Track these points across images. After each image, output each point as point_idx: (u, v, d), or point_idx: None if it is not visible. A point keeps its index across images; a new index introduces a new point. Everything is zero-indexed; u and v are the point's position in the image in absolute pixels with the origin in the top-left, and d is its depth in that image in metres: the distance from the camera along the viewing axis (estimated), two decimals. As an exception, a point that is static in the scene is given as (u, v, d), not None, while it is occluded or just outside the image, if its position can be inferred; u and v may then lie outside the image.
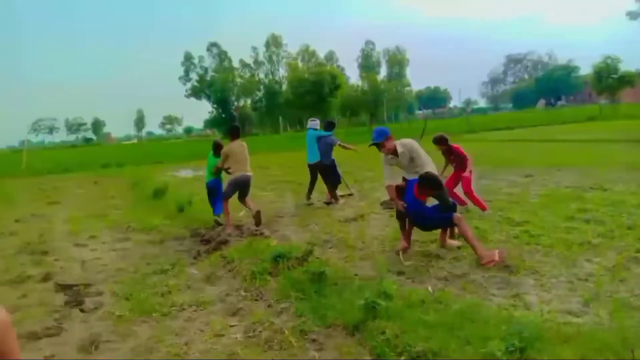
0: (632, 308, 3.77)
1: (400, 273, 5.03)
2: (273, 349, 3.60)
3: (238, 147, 7.98)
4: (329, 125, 10.36)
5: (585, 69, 67.60)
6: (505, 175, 11.52)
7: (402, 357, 3.18)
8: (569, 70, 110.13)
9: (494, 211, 7.55)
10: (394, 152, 5.85)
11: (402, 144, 5.87)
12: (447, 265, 5.21)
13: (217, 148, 8.43)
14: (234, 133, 8.23)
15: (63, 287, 5.48)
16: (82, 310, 4.75)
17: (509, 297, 4.23)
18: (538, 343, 3.03)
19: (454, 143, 8.25)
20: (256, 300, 4.67)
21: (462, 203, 7.79)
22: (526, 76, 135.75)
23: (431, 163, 5.85)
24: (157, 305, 4.63)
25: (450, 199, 5.99)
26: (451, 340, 3.24)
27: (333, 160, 10.00)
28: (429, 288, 4.50)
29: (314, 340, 3.67)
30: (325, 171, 9.85)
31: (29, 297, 5.20)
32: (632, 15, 45.27)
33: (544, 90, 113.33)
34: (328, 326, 3.84)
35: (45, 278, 5.84)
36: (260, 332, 3.86)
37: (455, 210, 5.58)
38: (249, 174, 8.00)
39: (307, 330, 3.81)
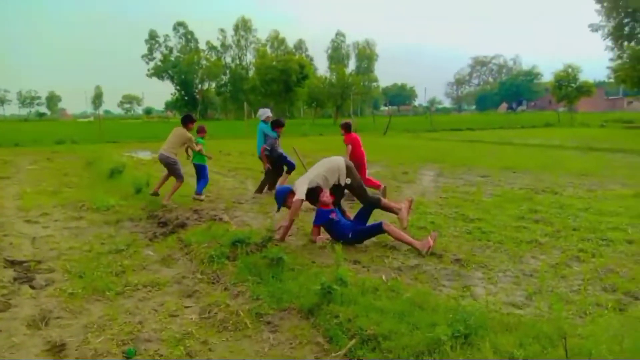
0: (569, 302, 4.01)
1: (356, 262, 5.14)
2: (228, 330, 3.64)
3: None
4: (275, 123, 9.73)
5: (548, 76, 69.81)
6: (463, 175, 11.86)
7: (353, 341, 3.28)
8: (532, 76, 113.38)
9: (450, 208, 7.78)
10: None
11: (297, 185, 6.17)
12: (401, 256, 5.36)
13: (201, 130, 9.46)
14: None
15: (12, 263, 5.34)
16: (32, 287, 4.65)
17: (458, 288, 4.41)
18: (482, 330, 3.19)
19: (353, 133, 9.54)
20: (212, 283, 4.69)
21: (378, 186, 8.75)
22: (491, 79, 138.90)
23: (306, 177, 6.29)
24: (110, 284, 4.59)
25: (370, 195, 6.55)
26: (401, 325, 3.36)
27: (280, 154, 9.75)
28: (383, 277, 4.63)
29: (268, 323, 3.73)
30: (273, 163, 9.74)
31: (-25, 271, 5.03)
32: (594, 27, 47.12)
33: (507, 94, 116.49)
34: (283, 309, 3.91)
35: (-6, 253, 5.65)
36: (215, 313, 3.89)
37: (378, 206, 6.32)
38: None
39: (263, 312, 3.88)
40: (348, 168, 6.39)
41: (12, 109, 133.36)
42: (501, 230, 6.32)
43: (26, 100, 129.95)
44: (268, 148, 9.53)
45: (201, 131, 9.40)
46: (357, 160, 8.52)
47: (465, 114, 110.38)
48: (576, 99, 48.10)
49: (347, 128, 9.40)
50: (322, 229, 6.05)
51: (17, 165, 15.31)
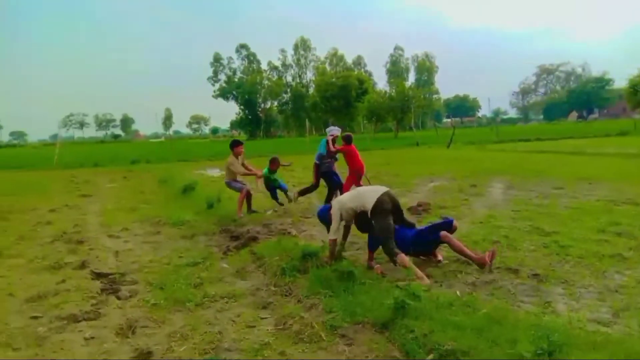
0: (663, 320, 3.76)
1: (428, 277, 5.07)
2: (304, 341, 3.71)
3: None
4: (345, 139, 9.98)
5: (620, 82, 66.19)
6: (535, 187, 11.41)
7: (431, 356, 3.24)
8: (602, 83, 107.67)
9: (524, 221, 7.51)
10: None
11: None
12: (475, 272, 5.23)
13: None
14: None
15: (99, 275, 5.70)
16: (117, 298, 4.94)
17: (538, 304, 4.25)
18: (566, 348, 3.06)
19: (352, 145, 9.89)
20: (286, 295, 4.78)
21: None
22: (558, 87, 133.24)
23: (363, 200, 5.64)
24: (190, 295, 4.79)
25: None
26: (479, 341, 3.29)
27: (325, 171, 9.81)
28: (457, 292, 4.54)
29: (343, 336, 3.76)
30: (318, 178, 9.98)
31: (66, 282, 5.41)
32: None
33: (576, 103, 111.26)
34: (357, 322, 3.92)
35: (82, 266, 6.05)
36: (290, 325, 3.97)
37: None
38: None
39: (337, 325, 3.91)
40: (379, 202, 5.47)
41: (90, 132, 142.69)
42: (580, 244, 6.03)
43: (102, 123, 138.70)
44: (317, 162, 9.86)
45: (273, 163, 9.85)
46: (356, 170, 9.70)
47: (533, 123, 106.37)
48: (654, 104, 45.08)
49: (347, 140, 9.84)
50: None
51: (97, 184, 16.34)
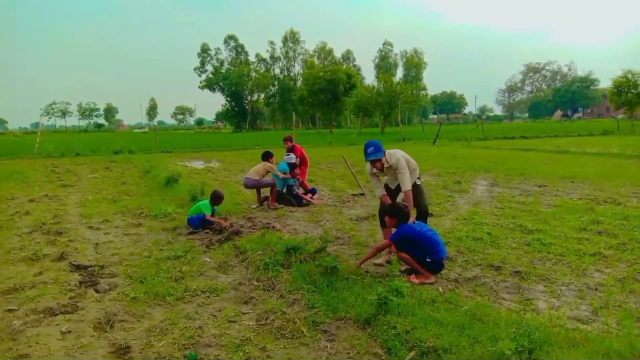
0: (641, 318, 3.80)
1: (411, 273, 5.07)
2: (285, 337, 3.67)
3: None
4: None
5: (605, 82, 67.03)
6: (518, 184, 11.51)
7: (412, 353, 3.23)
8: (587, 82, 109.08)
9: (506, 219, 7.55)
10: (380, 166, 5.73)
11: (390, 156, 5.68)
12: (458, 268, 5.25)
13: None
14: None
15: (77, 267, 5.60)
16: (96, 291, 4.84)
17: (519, 301, 4.28)
18: (547, 346, 3.07)
19: (297, 144, 10.63)
20: (268, 290, 4.74)
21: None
22: (544, 86, 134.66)
23: (409, 167, 5.63)
24: (170, 289, 4.72)
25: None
26: (461, 338, 3.29)
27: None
28: (440, 288, 4.55)
29: (325, 331, 3.73)
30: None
31: (44, 274, 5.31)
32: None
33: (562, 102, 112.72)
34: (339, 318, 3.90)
35: (60, 258, 5.94)
36: (272, 320, 3.93)
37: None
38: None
39: (319, 321, 3.88)
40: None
41: (73, 121, 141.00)
42: (562, 242, 6.09)
43: (85, 112, 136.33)
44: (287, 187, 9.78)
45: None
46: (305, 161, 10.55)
47: (518, 121, 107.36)
48: (637, 105, 45.69)
49: (290, 140, 10.51)
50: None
51: (78, 174, 16.07)
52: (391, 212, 5.26)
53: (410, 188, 5.49)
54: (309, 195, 9.91)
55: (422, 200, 5.71)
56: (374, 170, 5.80)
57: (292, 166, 9.83)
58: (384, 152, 5.66)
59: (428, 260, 4.81)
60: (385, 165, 5.67)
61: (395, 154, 5.67)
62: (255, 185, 9.53)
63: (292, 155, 10.02)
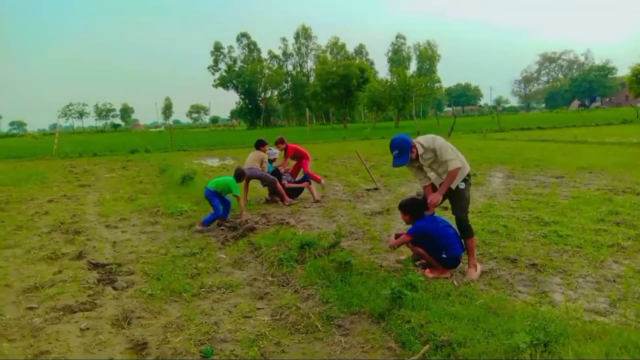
0: (660, 310, 3.74)
1: (426, 267, 5.05)
2: (300, 332, 3.69)
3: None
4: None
5: (623, 71, 65.79)
6: (535, 176, 11.38)
7: (427, 347, 3.22)
8: (605, 71, 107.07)
9: (523, 211, 7.48)
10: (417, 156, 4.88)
11: (420, 143, 4.86)
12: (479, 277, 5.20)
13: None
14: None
15: (96, 266, 5.68)
16: (114, 288, 4.92)
17: (535, 294, 4.24)
18: (563, 338, 3.04)
19: (290, 143, 10.39)
20: (283, 285, 4.77)
21: (318, 180, 10.13)
22: (560, 76, 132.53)
23: (458, 156, 4.78)
24: (186, 285, 4.77)
25: None
26: (476, 331, 3.27)
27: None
28: (455, 282, 4.52)
29: (339, 326, 3.74)
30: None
31: (63, 273, 5.40)
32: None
33: (579, 91, 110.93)
34: (354, 313, 3.91)
35: (79, 256, 6.03)
36: (287, 315, 3.95)
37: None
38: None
39: (333, 316, 3.89)
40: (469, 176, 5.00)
41: (90, 121, 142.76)
42: (579, 234, 6.01)
43: (102, 112, 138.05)
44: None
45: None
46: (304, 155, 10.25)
47: (535, 112, 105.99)
48: (657, 93, 44.81)
49: (282, 141, 10.22)
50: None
51: (96, 174, 16.30)
52: (404, 206, 5.12)
53: (457, 166, 4.67)
54: (305, 183, 9.83)
55: (458, 210, 4.86)
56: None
57: (271, 161, 9.89)
58: (413, 144, 4.78)
59: (444, 256, 4.77)
60: (420, 152, 4.80)
61: (436, 139, 4.84)
62: (260, 177, 9.40)
63: (274, 151, 10.07)
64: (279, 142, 10.23)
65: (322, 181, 10.27)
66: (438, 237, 4.82)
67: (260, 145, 9.76)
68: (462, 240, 4.88)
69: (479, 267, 4.84)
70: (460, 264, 4.95)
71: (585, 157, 14.61)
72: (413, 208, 5.05)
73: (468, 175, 4.89)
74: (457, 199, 4.87)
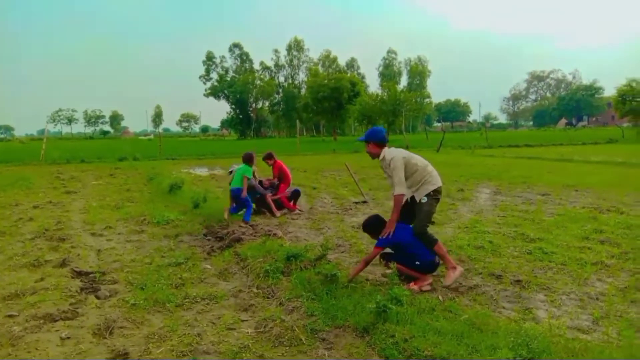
0: (642, 329, 3.77)
1: (410, 280, 5.06)
2: (283, 345, 3.66)
3: None
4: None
5: (610, 91, 66.89)
6: (521, 192, 11.48)
7: (410, 361, 3.22)
8: (592, 91, 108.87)
9: (509, 227, 7.53)
10: (376, 157, 5.20)
11: (386, 154, 5.09)
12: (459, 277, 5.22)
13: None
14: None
15: (79, 274, 5.60)
16: (97, 297, 4.85)
17: (519, 310, 4.26)
18: (545, 355, 3.06)
19: (279, 160, 10.14)
20: (268, 297, 4.74)
21: (293, 208, 9.64)
22: (548, 94, 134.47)
23: (423, 186, 4.98)
24: (170, 296, 4.72)
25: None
26: (459, 347, 3.27)
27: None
28: (440, 297, 4.53)
29: (323, 340, 3.72)
30: None
31: (45, 281, 5.31)
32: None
33: (566, 110, 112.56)
34: (338, 327, 3.89)
35: (62, 264, 5.94)
36: (271, 328, 3.92)
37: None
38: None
39: (318, 329, 3.87)
40: (437, 192, 5.05)
41: (79, 128, 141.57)
42: (564, 251, 6.06)
43: (91, 119, 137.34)
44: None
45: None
46: (287, 178, 9.94)
47: (522, 130, 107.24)
48: (642, 113, 45.58)
49: (271, 157, 10.01)
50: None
51: (83, 180, 16.14)
52: (365, 227, 5.38)
53: (400, 192, 4.87)
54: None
55: (417, 223, 4.96)
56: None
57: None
58: (370, 141, 5.13)
59: (417, 263, 4.88)
60: (380, 158, 5.10)
61: (393, 152, 5.06)
62: (254, 187, 9.15)
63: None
64: (267, 158, 9.97)
65: (296, 209, 9.63)
66: (406, 246, 4.92)
67: (249, 161, 9.12)
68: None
69: (458, 268, 4.91)
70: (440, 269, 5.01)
71: (571, 175, 14.79)
72: (375, 225, 5.23)
73: (435, 190, 4.98)
74: (418, 212, 5.01)
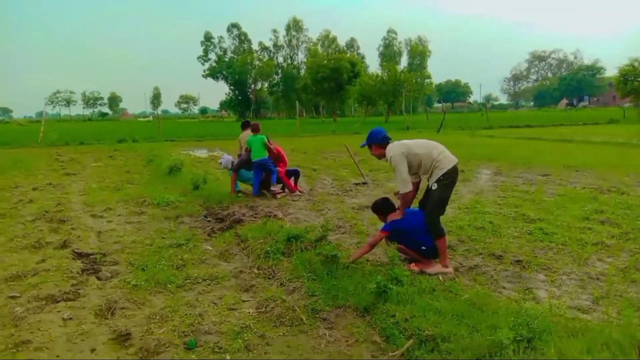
0: (641, 308, 3.79)
1: (411, 261, 5.06)
2: (284, 325, 3.68)
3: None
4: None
5: (611, 71, 66.46)
6: (522, 173, 11.47)
7: (411, 341, 3.24)
8: (594, 71, 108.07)
9: (509, 208, 7.53)
10: (383, 158, 5.08)
11: (387, 153, 4.97)
12: (459, 257, 5.24)
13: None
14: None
15: (80, 255, 5.62)
16: (98, 278, 4.87)
17: (519, 290, 4.27)
18: (546, 335, 3.06)
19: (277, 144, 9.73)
20: (269, 278, 4.75)
21: (294, 189, 9.45)
22: (550, 74, 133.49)
23: (435, 171, 4.79)
24: (171, 277, 4.74)
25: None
26: (460, 327, 3.29)
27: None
28: (440, 277, 4.54)
29: (324, 319, 3.74)
30: None
31: (46, 262, 5.32)
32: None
33: (567, 90, 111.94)
34: (339, 307, 3.91)
35: (63, 245, 5.96)
36: (272, 308, 3.94)
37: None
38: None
39: (318, 309, 3.89)
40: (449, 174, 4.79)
41: (77, 109, 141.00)
42: (564, 231, 6.07)
43: (90, 101, 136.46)
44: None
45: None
46: (283, 159, 9.63)
47: (523, 110, 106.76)
48: (643, 94, 45.24)
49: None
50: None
51: (82, 162, 16.12)
52: (374, 209, 5.38)
53: (406, 191, 4.80)
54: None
55: (428, 209, 4.81)
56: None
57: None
58: (375, 144, 5.07)
59: (423, 248, 4.83)
60: (386, 159, 4.99)
61: (392, 149, 4.90)
62: (267, 165, 9.12)
63: (228, 158, 9.92)
64: (254, 130, 9.56)
65: (297, 191, 9.46)
66: (414, 232, 4.85)
67: (258, 129, 9.25)
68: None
69: (450, 269, 4.71)
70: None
71: (572, 155, 14.76)
72: (384, 207, 5.20)
73: (445, 174, 4.72)
74: (429, 199, 4.85)
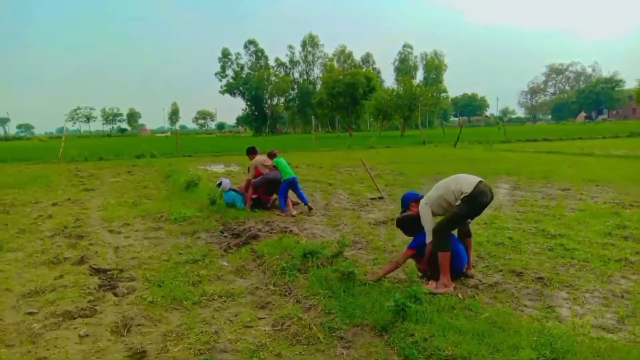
0: (670, 328, 3.65)
1: (428, 278, 4.98)
2: (301, 343, 3.63)
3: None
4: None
5: (631, 83, 65.56)
6: (541, 188, 11.29)
7: (430, 361, 3.16)
8: (613, 83, 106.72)
9: (529, 223, 7.40)
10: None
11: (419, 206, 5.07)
12: (479, 274, 5.14)
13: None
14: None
15: (97, 271, 5.65)
16: (115, 294, 4.87)
17: (541, 308, 4.16)
18: (570, 355, 2.98)
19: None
20: (285, 295, 4.71)
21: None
22: (567, 87, 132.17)
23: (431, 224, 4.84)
24: (188, 293, 4.72)
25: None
26: (481, 346, 3.20)
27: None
28: (459, 294, 4.45)
29: (341, 338, 3.67)
30: None
31: (64, 278, 5.36)
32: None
33: (586, 103, 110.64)
34: (356, 325, 3.84)
35: (81, 261, 6.00)
36: (288, 326, 3.89)
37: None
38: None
39: (335, 327, 3.83)
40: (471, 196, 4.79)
41: (97, 125, 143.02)
42: (586, 248, 5.93)
43: (109, 117, 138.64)
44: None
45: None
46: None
47: (541, 123, 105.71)
48: (665, 106, 44.54)
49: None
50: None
51: (101, 178, 16.32)
52: (399, 225, 5.30)
53: (430, 240, 4.81)
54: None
55: (441, 220, 4.86)
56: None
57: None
58: (412, 203, 5.24)
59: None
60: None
61: (420, 205, 5.02)
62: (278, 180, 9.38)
63: (227, 182, 9.81)
64: (271, 156, 9.87)
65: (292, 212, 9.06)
66: None
67: (273, 154, 9.88)
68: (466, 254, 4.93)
69: (452, 285, 4.60)
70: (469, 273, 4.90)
71: (591, 169, 14.51)
72: (409, 224, 5.13)
73: (469, 195, 4.75)
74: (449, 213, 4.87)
